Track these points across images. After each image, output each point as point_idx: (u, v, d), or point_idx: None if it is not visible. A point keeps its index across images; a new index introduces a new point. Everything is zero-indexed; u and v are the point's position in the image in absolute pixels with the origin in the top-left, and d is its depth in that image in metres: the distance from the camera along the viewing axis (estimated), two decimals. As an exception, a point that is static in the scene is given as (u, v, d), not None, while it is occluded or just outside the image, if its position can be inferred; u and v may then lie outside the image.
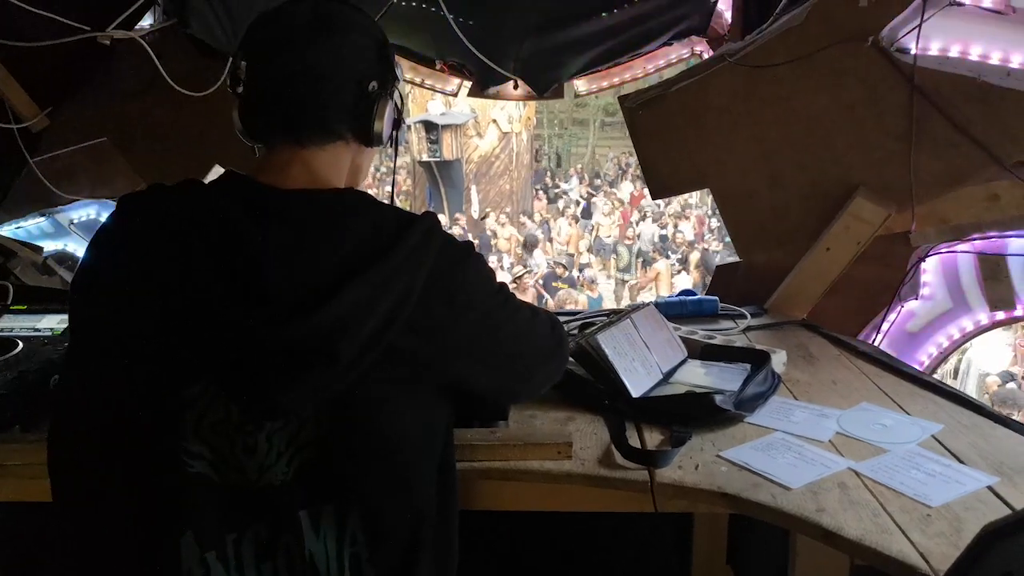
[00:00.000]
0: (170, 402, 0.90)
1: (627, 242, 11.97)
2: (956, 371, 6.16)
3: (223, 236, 0.91)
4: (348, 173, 1.09)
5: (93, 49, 2.24)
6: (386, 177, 18.54)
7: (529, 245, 10.82)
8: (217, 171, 2.37)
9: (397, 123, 1.13)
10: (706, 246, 11.65)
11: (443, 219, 12.48)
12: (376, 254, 0.92)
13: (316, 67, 1.01)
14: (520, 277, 8.85)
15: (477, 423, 1.33)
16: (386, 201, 1.08)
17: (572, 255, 12.03)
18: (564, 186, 17.94)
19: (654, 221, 13.16)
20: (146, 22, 2.44)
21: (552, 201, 16.00)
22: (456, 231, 11.84)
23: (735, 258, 2.37)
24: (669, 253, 11.84)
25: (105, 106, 2.50)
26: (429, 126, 12.44)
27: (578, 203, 15.64)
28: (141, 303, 0.91)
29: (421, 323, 0.95)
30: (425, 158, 12.70)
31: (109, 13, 2.25)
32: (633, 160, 19.49)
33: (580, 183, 18.24)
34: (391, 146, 1.15)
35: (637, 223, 13.34)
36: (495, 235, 12.04)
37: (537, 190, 16.31)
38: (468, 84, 3.03)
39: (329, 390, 0.91)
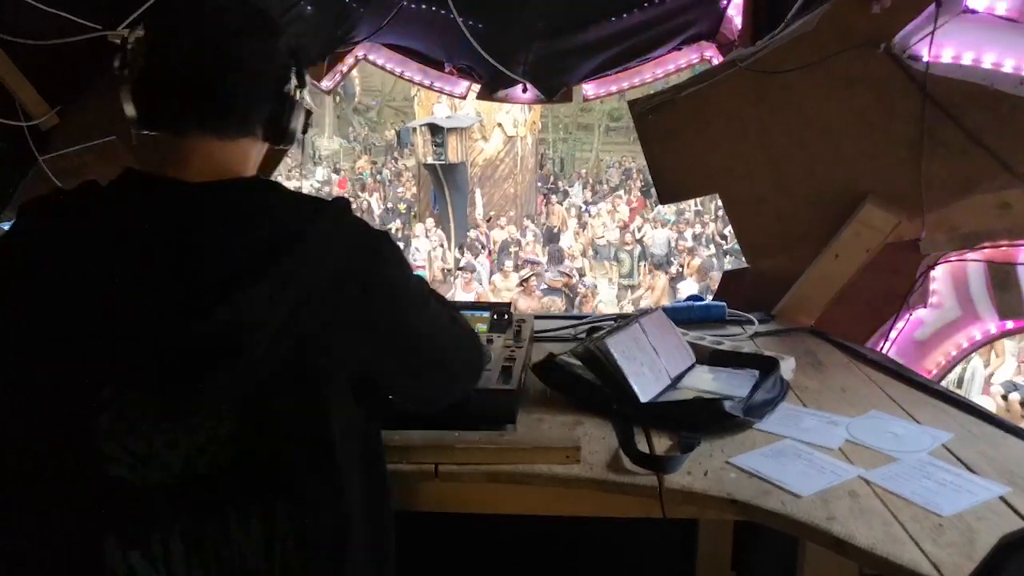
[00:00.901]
0: (85, 406, 0.89)
1: (627, 247, 11.95)
2: (960, 380, 6.13)
3: (134, 235, 0.91)
4: (252, 167, 1.07)
5: (103, 48, 2.25)
6: (392, 180, 18.59)
7: (554, 257, 10.61)
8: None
9: (306, 127, 1.13)
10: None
11: (450, 224, 12.53)
12: (285, 245, 0.91)
13: (249, 61, 1.00)
14: (527, 279, 8.85)
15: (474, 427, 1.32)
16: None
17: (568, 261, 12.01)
18: (569, 191, 17.94)
19: (663, 226, 13.15)
20: (157, 21, 2.45)
21: (561, 204, 15.99)
22: (480, 237, 11.87)
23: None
24: (671, 259, 11.82)
25: (114, 105, 2.49)
26: (434, 129, 12.43)
27: (581, 208, 15.64)
28: (52, 306, 0.90)
29: (335, 316, 0.94)
30: (430, 161, 12.70)
31: (119, 12, 2.26)
32: (635, 165, 19.52)
33: (584, 188, 18.24)
34: (299, 146, 1.15)
35: (639, 228, 13.31)
36: (519, 244, 11.93)
37: (548, 195, 16.29)
38: (477, 87, 3.03)
39: (242, 385, 0.90)
